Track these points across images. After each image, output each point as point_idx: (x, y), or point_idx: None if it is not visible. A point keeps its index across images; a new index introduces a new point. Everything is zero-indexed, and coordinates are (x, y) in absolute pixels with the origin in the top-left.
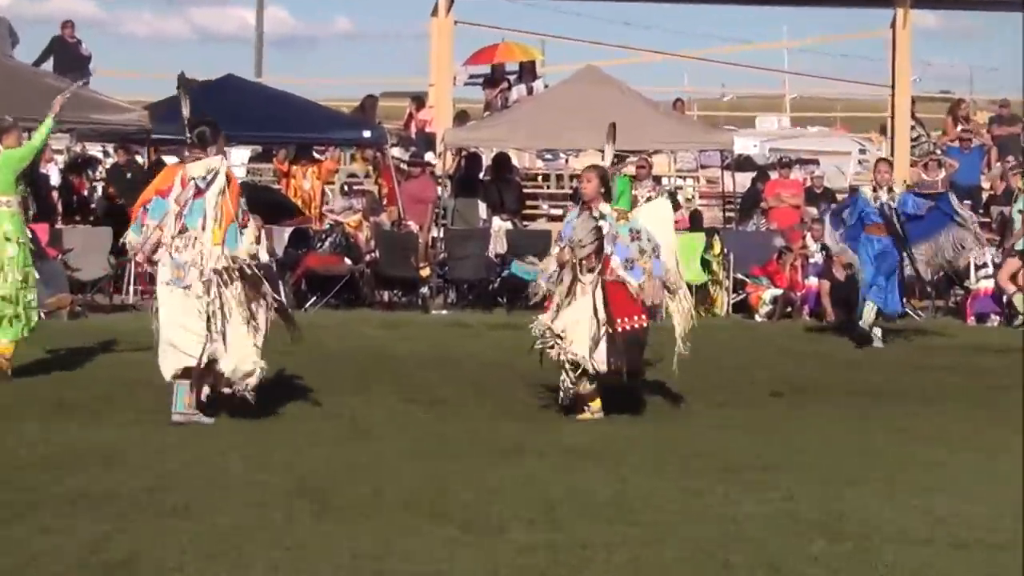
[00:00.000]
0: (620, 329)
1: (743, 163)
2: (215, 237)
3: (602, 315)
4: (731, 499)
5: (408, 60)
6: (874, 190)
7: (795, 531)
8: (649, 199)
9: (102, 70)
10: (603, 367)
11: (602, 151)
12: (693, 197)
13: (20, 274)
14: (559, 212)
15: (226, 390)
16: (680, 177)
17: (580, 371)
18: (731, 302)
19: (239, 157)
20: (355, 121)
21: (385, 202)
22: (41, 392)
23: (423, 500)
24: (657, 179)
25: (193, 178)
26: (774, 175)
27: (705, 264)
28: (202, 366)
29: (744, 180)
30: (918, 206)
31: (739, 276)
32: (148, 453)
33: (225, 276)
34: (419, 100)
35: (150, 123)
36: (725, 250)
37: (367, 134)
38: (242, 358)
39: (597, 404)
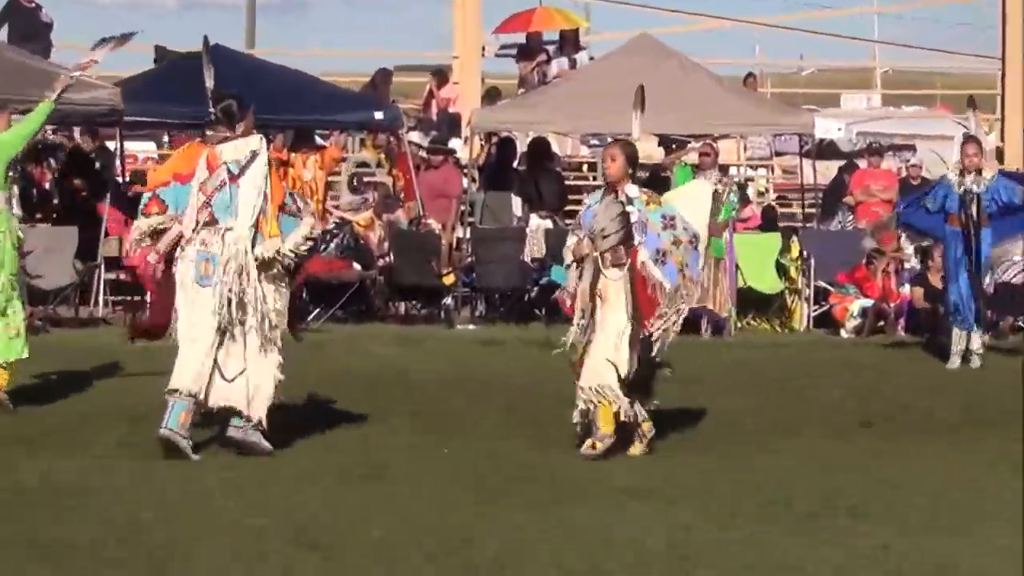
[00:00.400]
0: (644, 333)
1: (826, 149)
2: (272, 228)
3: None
4: (812, 550)
5: (428, 28)
6: (960, 175)
7: None
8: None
9: (65, 40)
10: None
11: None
12: (767, 190)
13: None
14: None
15: (233, 433)
16: (751, 166)
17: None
18: (812, 315)
19: None
20: (365, 100)
21: (401, 196)
22: None
23: (445, 551)
24: (724, 169)
25: (225, 162)
26: (862, 164)
27: (781, 270)
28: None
29: (827, 169)
30: (1012, 193)
31: (822, 284)
32: (118, 494)
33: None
34: (441, 75)
35: (121, 103)
36: (805, 253)
37: (379, 115)
38: (263, 376)
39: (609, 427)
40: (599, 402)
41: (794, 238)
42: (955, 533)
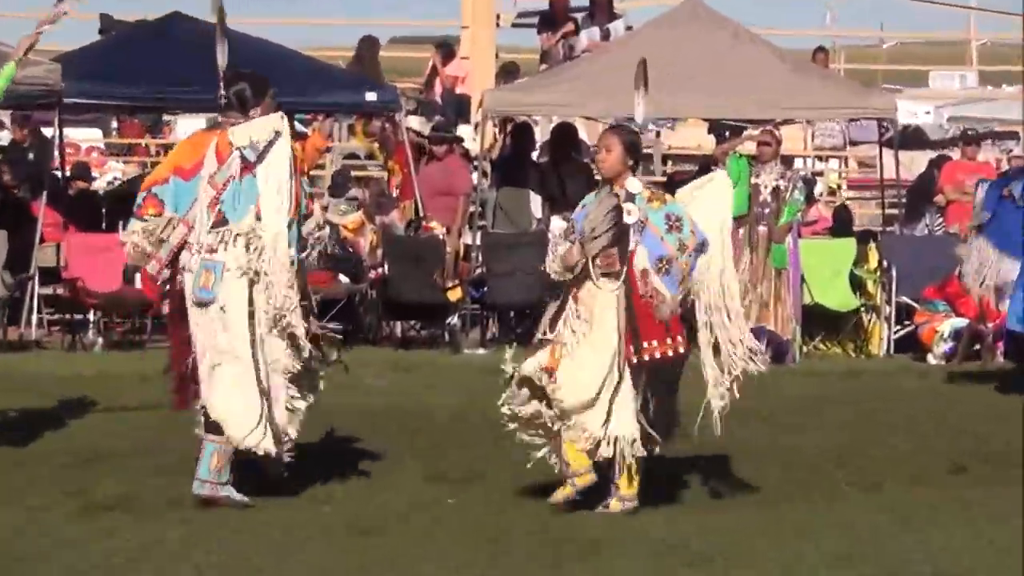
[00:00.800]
0: (647, 357)
1: (910, 138)
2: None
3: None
4: None
5: None
6: None
7: None
8: (776, 189)
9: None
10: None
11: (665, 120)
12: (839, 187)
13: None
14: None
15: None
16: (820, 158)
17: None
18: (893, 337)
19: (188, 129)
20: (354, 79)
21: (398, 195)
22: None
23: None
24: (787, 161)
25: (239, 147)
26: (955, 155)
27: (856, 283)
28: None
29: (911, 162)
30: None
31: (905, 300)
32: (55, 556)
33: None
34: (446, 48)
35: (60, 82)
36: (885, 263)
37: (371, 97)
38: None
39: (586, 479)
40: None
41: (872, 245)
42: None
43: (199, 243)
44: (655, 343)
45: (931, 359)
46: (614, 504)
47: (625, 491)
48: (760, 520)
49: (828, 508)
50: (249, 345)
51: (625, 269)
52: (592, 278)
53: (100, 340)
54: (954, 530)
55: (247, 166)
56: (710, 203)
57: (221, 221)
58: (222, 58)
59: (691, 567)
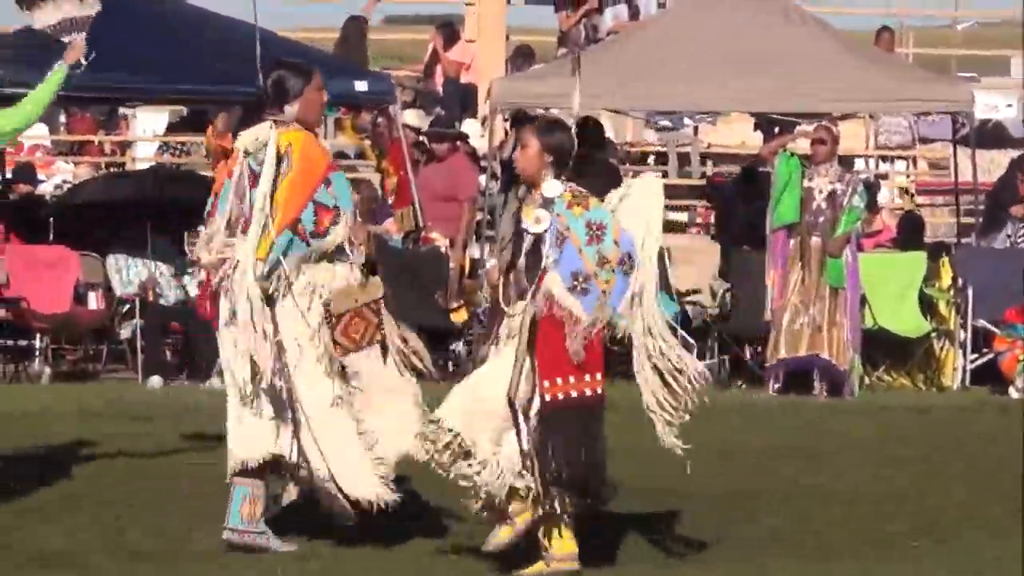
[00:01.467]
0: (548, 398)
1: (990, 135)
2: (261, 246)
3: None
4: None
5: None
6: None
7: None
8: (832, 194)
9: None
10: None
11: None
12: (908, 192)
13: None
14: (682, 216)
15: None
16: (885, 158)
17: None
18: (970, 367)
19: (149, 125)
20: (342, 66)
21: (392, 200)
22: None
23: None
24: (846, 162)
25: (245, 151)
26: None
27: (926, 304)
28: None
29: (991, 163)
30: None
31: (984, 324)
32: None
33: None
34: (449, 30)
35: None
36: (960, 281)
37: (361, 86)
38: (345, 454)
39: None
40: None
41: (945, 259)
42: None
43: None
44: (558, 381)
45: (1013, 392)
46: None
47: (554, 551)
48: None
49: (882, 563)
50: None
51: (535, 288)
52: (499, 298)
53: (47, 370)
54: None
55: (253, 177)
56: (636, 208)
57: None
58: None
59: None
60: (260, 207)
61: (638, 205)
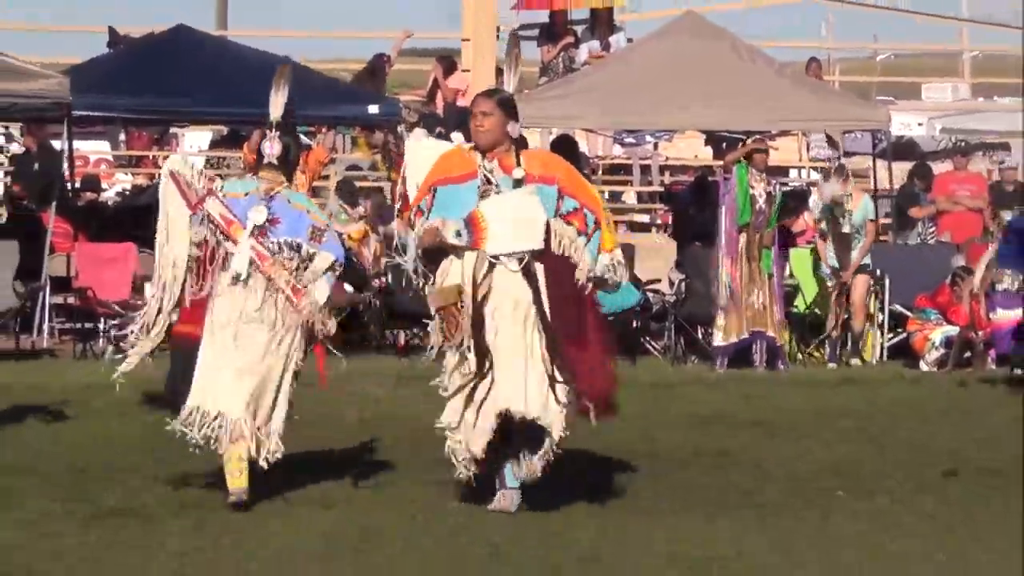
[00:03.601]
0: None
1: (904, 149)
2: None
3: None
4: None
5: (431, 6)
6: None
7: None
8: (769, 195)
9: (2, 22)
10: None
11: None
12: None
13: None
14: (645, 218)
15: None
16: (815, 170)
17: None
18: (886, 345)
19: (196, 142)
20: (357, 92)
21: (400, 205)
22: None
23: None
24: (784, 172)
25: None
26: (946, 166)
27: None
28: None
29: (904, 173)
30: None
31: (898, 308)
32: (63, 563)
33: None
34: (448, 61)
35: (69, 94)
36: (878, 272)
37: (374, 109)
38: None
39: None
40: None
41: None
42: None
43: None
44: None
45: (923, 366)
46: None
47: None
48: (757, 530)
49: (823, 518)
50: None
51: None
52: None
53: (110, 349)
54: (948, 537)
55: None
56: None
57: None
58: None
59: (684, 571)
60: None
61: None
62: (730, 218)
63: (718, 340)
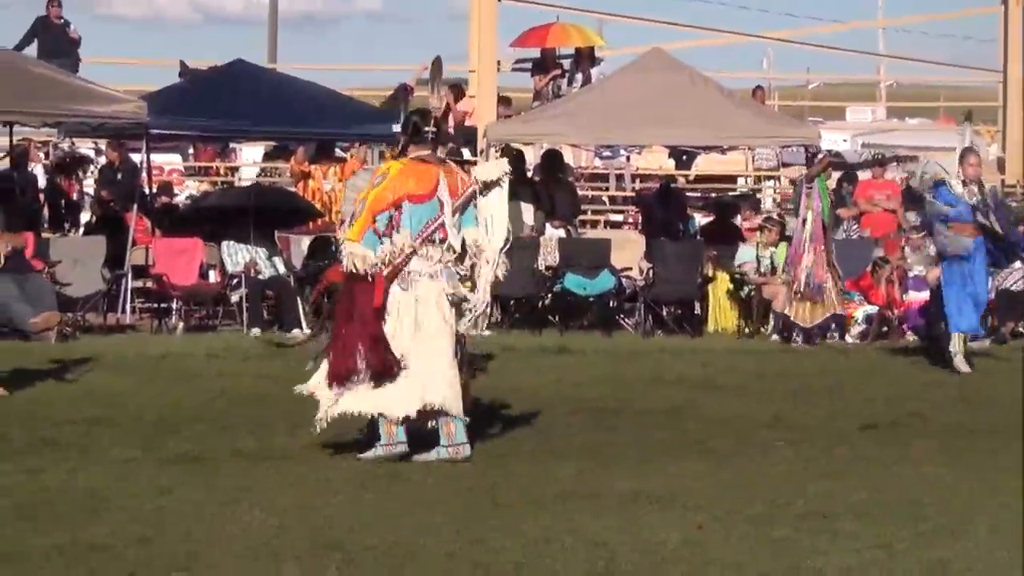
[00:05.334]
0: None
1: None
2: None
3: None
4: (817, 550)
5: (444, 43)
6: (964, 185)
7: None
8: None
9: (92, 56)
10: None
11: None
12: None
13: None
14: (619, 217)
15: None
16: (759, 178)
17: None
18: None
19: (250, 155)
20: (383, 114)
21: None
22: (18, 426)
23: (462, 552)
24: (729, 179)
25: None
26: (866, 175)
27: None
28: None
29: (833, 181)
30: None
31: None
32: (141, 498)
33: None
34: (457, 89)
35: (147, 116)
36: None
37: (397, 128)
38: None
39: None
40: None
41: None
42: (950, 533)
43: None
44: None
45: (848, 339)
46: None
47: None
48: (705, 470)
49: (764, 460)
50: None
51: None
52: None
53: (181, 324)
54: (868, 477)
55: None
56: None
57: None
58: (435, 100)
59: (653, 511)
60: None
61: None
62: (819, 220)
63: (803, 322)
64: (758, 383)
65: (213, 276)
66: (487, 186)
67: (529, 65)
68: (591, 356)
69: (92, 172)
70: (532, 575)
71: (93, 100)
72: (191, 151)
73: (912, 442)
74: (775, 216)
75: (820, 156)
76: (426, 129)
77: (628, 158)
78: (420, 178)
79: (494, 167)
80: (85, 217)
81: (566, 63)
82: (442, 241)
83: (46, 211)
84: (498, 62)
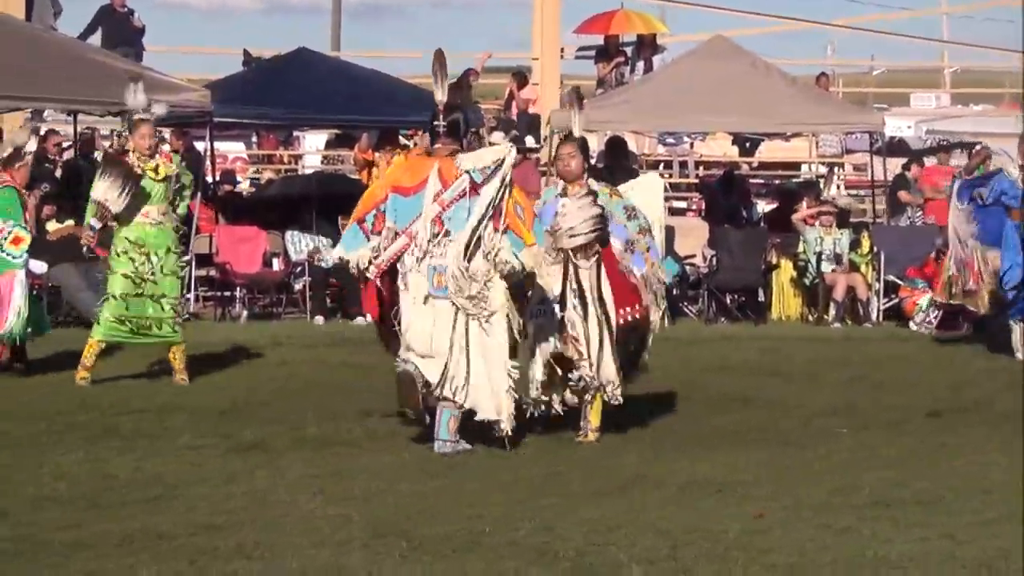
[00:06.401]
0: (621, 321)
1: (896, 147)
2: (528, 236)
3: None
4: (880, 538)
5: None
6: (1022, 169)
7: (954, 574)
8: None
9: (156, 45)
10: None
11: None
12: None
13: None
14: (682, 204)
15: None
16: (823, 165)
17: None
18: (882, 308)
19: (314, 143)
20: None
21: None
22: (85, 415)
23: (526, 539)
24: (793, 166)
25: (467, 171)
26: (931, 161)
27: (853, 265)
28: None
29: (896, 167)
30: None
31: (892, 278)
32: (207, 486)
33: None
34: (521, 76)
35: (211, 104)
36: (875, 248)
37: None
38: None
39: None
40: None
41: (865, 234)
42: (1015, 520)
43: (421, 250)
44: (627, 309)
45: (912, 326)
46: (592, 435)
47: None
48: (768, 457)
49: (827, 448)
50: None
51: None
52: (575, 261)
53: (244, 312)
54: (932, 465)
55: (474, 187)
56: (643, 199)
57: (444, 232)
58: (440, 93)
59: (713, 498)
60: (484, 207)
61: (644, 197)
62: None
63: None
64: (821, 371)
65: (276, 264)
66: (485, 173)
67: (592, 52)
68: (654, 343)
69: None
70: (595, 563)
71: (157, 89)
72: (254, 139)
73: (978, 430)
74: (832, 203)
75: (978, 147)
76: (435, 123)
77: (691, 145)
78: (415, 171)
79: (487, 153)
80: None
81: (628, 50)
82: (446, 235)
83: None
84: (561, 49)
